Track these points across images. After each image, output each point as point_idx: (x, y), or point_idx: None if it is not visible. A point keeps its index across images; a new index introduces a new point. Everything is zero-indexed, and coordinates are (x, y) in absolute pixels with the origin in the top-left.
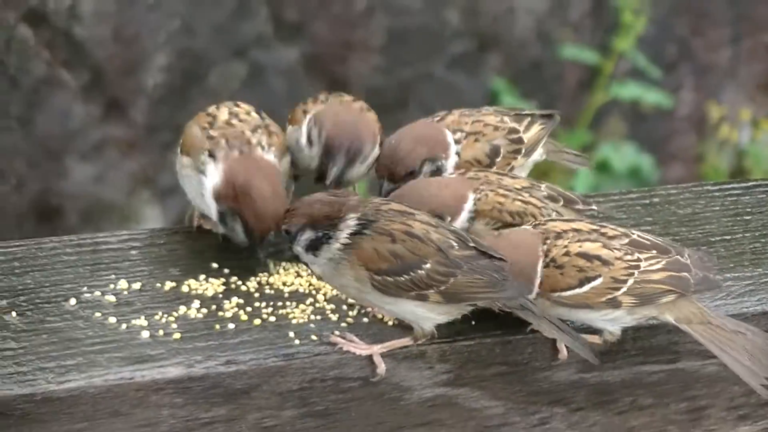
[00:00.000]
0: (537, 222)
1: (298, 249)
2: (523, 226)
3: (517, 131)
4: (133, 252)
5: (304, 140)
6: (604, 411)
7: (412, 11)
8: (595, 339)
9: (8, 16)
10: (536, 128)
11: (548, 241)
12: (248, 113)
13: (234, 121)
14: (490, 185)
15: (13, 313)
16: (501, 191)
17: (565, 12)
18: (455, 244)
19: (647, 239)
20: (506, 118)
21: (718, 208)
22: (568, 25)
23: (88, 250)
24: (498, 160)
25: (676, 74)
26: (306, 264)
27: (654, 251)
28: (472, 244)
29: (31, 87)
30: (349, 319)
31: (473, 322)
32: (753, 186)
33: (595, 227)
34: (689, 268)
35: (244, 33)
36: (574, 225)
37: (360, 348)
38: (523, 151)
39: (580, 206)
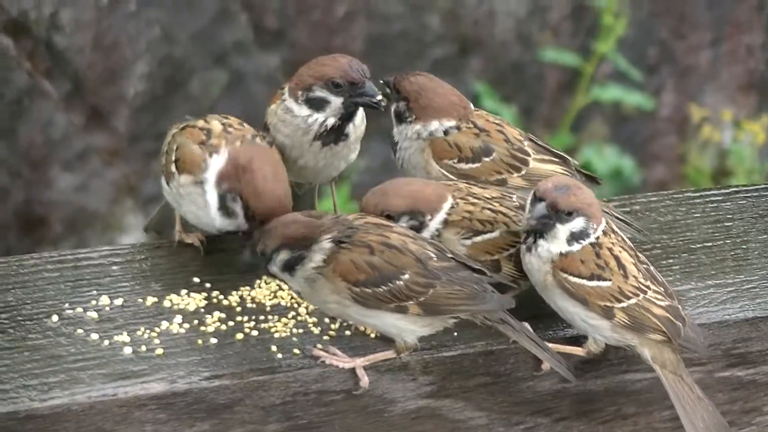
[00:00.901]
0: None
1: (274, 269)
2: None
3: (527, 153)
4: (115, 267)
5: (295, 108)
6: (587, 420)
7: (393, 16)
8: (578, 351)
9: None
10: (552, 166)
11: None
12: (240, 124)
13: (230, 130)
14: (460, 192)
15: None
16: (471, 199)
17: (545, 15)
18: (433, 255)
19: (659, 277)
20: (527, 143)
21: (699, 215)
22: (549, 28)
23: (69, 266)
24: (486, 160)
25: (658, 76)
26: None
27: (662, 289)
28: (450, 255)
29: (13, 97)
30: (332, 332)
31: (455, 333)
32: (733, 192)
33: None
34: (684, 322)
35: (225, 40)
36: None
37: (343, 361)
38: (524, 171)
39: None
